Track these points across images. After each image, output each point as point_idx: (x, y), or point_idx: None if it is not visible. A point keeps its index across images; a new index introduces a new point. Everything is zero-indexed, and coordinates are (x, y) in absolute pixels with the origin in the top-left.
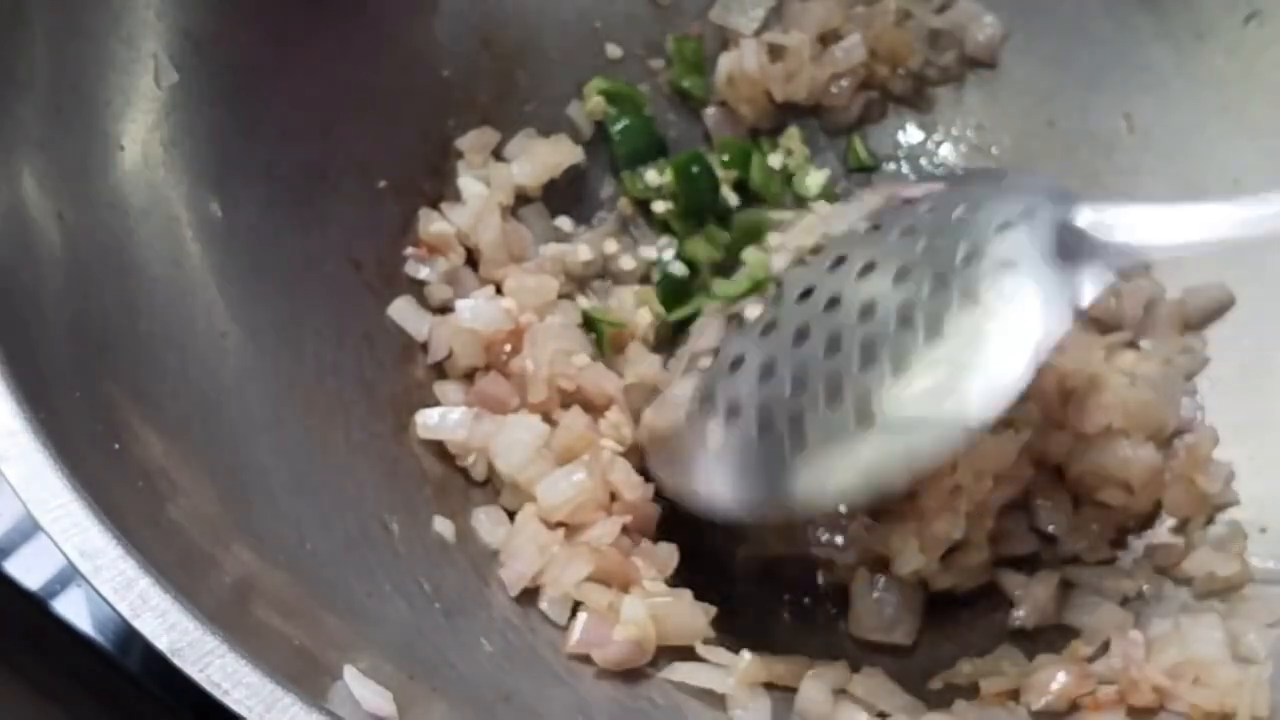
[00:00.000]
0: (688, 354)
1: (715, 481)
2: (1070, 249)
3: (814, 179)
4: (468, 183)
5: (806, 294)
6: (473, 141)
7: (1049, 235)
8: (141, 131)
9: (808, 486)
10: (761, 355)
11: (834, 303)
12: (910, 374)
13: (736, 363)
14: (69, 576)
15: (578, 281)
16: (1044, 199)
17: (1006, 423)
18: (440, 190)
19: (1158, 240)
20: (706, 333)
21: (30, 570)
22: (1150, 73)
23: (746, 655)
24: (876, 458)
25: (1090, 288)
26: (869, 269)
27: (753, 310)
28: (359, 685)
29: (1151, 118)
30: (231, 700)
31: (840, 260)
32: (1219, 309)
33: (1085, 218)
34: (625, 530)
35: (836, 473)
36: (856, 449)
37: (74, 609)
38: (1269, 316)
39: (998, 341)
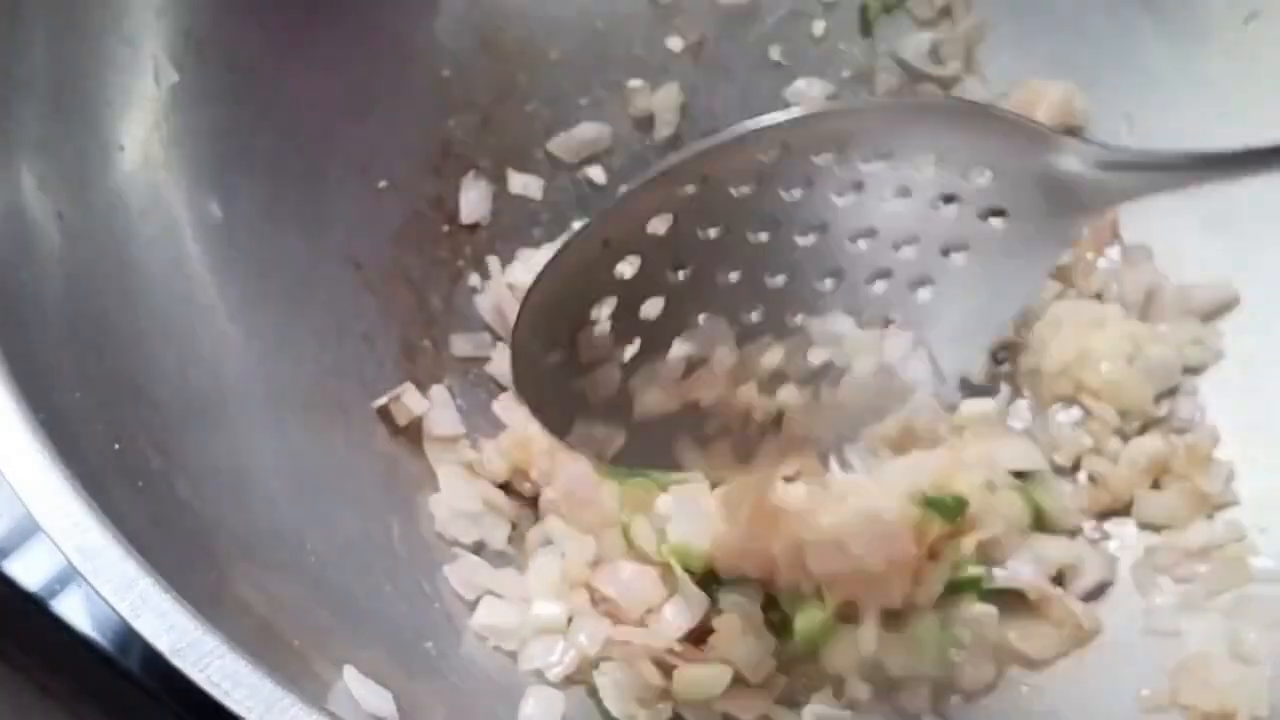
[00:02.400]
0: None
1: None
2: (1053, 191)
3: None
4: None
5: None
6: None
7: (1032, 181)
8: (141, 131)
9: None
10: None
11: (794, 262)
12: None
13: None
14: (69, 576)
15: None
16: (1021, 139)
17: None
18: (440, 190)
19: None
20: None
21: (30, 570)
22: (1150, 73)
23: None
24: (857, 403)
25: (1077, 229)
26: (824, 227)
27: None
28: (359, 685)
29: (1151, 118)
30: (231, 701)
31: (773, 224)
32: (1222, 307)
33: (1066, 161)
34: None
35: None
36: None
37: (74, 609)
38: (1270, 316)
39: (983, 297)
